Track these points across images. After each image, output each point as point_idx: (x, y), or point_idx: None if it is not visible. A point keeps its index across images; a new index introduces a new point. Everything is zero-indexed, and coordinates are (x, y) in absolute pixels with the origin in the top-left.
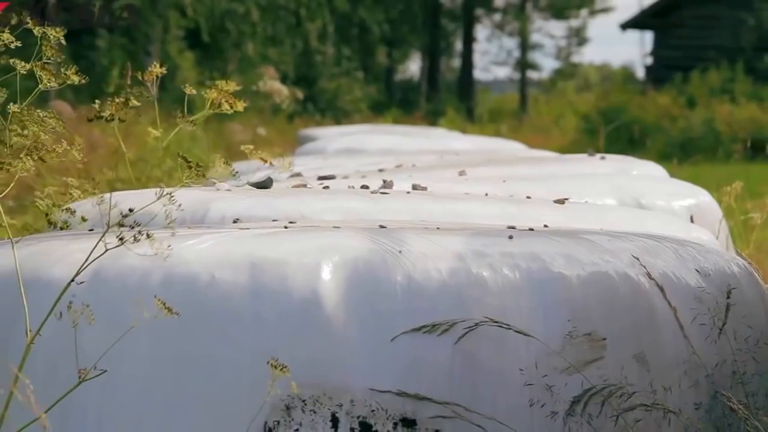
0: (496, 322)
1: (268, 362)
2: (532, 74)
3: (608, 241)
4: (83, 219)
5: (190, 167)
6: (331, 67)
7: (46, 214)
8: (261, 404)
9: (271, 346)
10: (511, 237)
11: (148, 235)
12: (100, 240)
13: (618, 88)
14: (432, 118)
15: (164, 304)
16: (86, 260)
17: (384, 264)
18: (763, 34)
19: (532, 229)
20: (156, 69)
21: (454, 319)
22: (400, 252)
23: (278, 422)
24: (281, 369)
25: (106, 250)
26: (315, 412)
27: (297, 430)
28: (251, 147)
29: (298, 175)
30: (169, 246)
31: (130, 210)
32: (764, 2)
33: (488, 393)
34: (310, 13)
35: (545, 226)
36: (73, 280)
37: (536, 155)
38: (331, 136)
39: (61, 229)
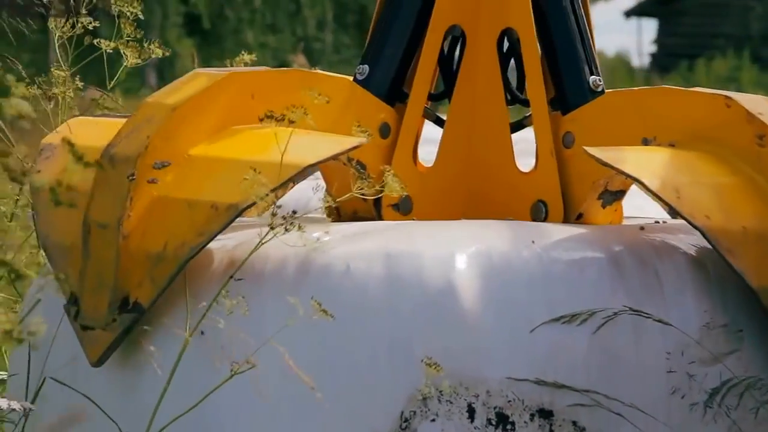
0: (636, 311)
1: (422, 360)
2: None
3: None
4: None
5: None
6: (330, 55)
7: None
8: (397, 395)
9: (407, 336)
10: (642, 228)
11: (299, 227)
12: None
13: (620, 76)
14: (433, 105)
15: (320, 305)
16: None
17: (518, 254)
18: None
19: (658, 222)
20: (156, 49)
21: (593, 309)
22: (533, 242)
23: (414, 413)
24: (435, 367)
25: (261, 243)
26: (451, 403)
27: (433, 420)
28: None
29: None
30: (318, 238)
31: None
32: None
33: (626, 382)
34: (310, 0)
35: (657, 221)
36: (232, 277)
37: None
38: None
39: None
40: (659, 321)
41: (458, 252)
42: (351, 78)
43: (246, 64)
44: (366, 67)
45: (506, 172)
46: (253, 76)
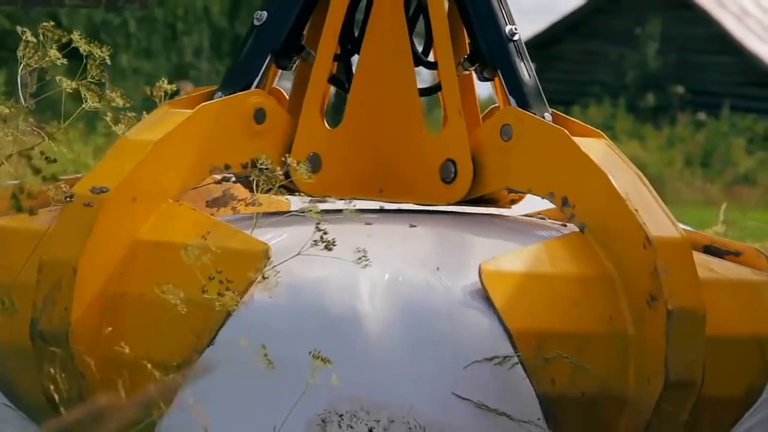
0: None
1: (309, 352)
2: None
3: None
4: None
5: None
6: (206, 82)
7: None
8: (298, 420)
9: (308, 362)
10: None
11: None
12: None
13: None
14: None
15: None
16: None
17: (425, 282)
18: (646, 72)
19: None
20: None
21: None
22: (438, 269)
23: None
24: (324, 361)
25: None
26: (352, 428)
27: None
28: None
29: None
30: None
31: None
32: (648, 40)
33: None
34: (187, 27)
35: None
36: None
37: None
38: None
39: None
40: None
41: (363, 279)
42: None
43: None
44: (264, 13)
45: (415, 132)
46: None
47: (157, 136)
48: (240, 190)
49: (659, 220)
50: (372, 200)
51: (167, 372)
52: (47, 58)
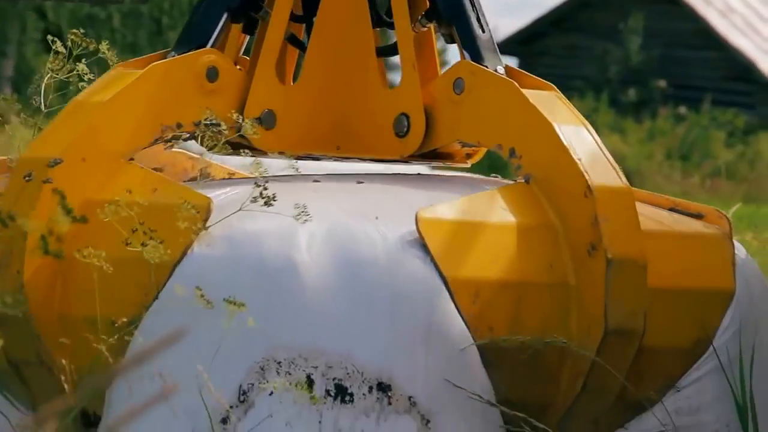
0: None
1: (224, 299)
2: None
3: None
4: None
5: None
6: None
7: None
8: (236, 368)
9: (246, 312)
10: None
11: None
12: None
13: None
14: None
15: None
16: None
17: (363, 231)
18: (629, 67)
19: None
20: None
21: None
22: (377, 218)
23: (252, 385)
24: (238, 305)
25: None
26: (290, 374)
27: (271, 392)
28: None
29: None
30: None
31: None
32: (631, 34)
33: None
34: (172, 22)
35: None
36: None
37: None
38: None
39: None
40: None
41: (301, 230)
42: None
43: None
44: None
45: (371, 88)
46: None
47: (107, 97)
48: (217, 170)
49: (602, 170)
50: (329, 157)
51: (119, 330)
52: (74, 71)
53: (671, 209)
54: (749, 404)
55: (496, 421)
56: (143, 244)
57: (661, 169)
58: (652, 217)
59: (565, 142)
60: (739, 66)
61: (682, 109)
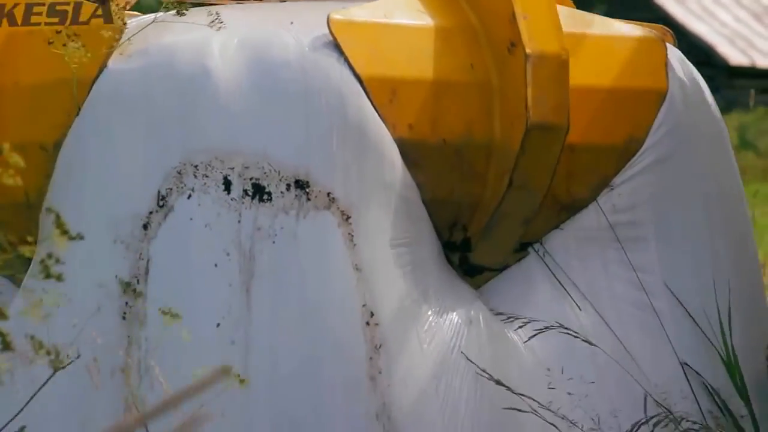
0: None
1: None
2: None
3: None
4: None
5: None
6: None
7: None
8: (154, 175)
9: (161, 119)
10: None
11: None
12: None
13: None
14: None
15: None
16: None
17: (277, 36)
18: None
19: None
20: None
21: None
22: (291, 23)
23: (171, 189)
24: None
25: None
26: (207, 176)
27: (190, 195)
28: None
29: None
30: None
31: None
32: None
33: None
34: None
35: None
36: None
37: None
38: None
39: None
40: None
41: (214, 38)
42: None
43: None
44: None
45: None
46: None
47: None
48: None
49: None
50: None
51: (47, 153)
52: None
53: None
54: (733, 357)
55: (423, 218)
56: (65, 45)
57: None
58: (587, 18)
59: None
60: (699, 51)
61: None
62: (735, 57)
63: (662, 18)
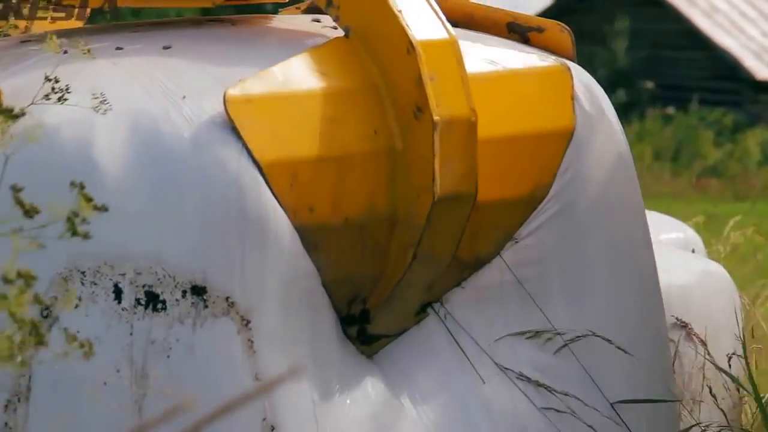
0: None
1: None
2: None
3: None
4: None
5: None
6: None
7: None
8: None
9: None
10: None
11: None
12: None
13: None
14: None
15: None
16: None
17: (167, 119)
18: (616, 69)
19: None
20: None
21: None
22: (184, 98)
23: (56, 298)
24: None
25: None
26: (95, 284)
27: (77, 305)
28: None
29: None
30: None
31: None
32: (617, 37)
33: None
34: None
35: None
36: None
37: None
38: None
39: None
40: None
41: (100, 124)
42: None
43: None
44: None
45: None
46: None
47: None
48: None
49: (427, 22)
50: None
51: None
52: None
53: (510, 23)
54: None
55: (324, 303)
56: None
57: (650, 170)
58: (484, 54)
59: None
60: (725, 65)
61: (670, 110)
62: (761, 72)
63: (688, 30)
